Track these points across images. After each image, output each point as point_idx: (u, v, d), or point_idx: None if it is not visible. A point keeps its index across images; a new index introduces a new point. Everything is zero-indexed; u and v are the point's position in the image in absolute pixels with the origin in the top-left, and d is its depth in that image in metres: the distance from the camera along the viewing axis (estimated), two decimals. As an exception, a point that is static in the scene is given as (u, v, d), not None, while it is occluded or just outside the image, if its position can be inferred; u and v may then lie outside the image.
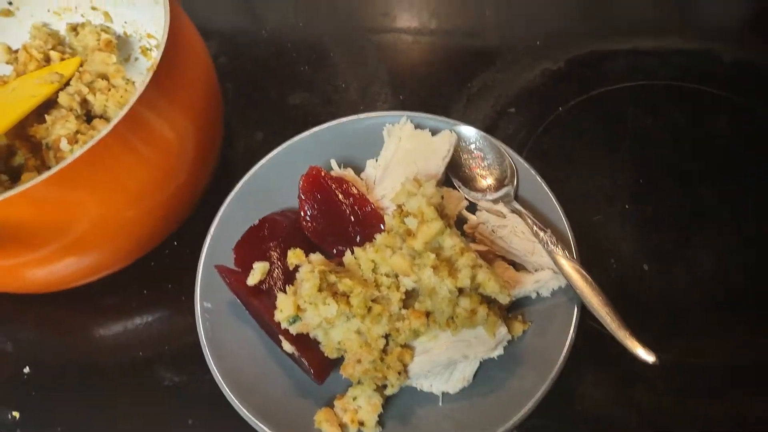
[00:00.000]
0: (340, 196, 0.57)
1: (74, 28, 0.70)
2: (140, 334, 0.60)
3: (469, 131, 0.61)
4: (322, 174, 0.57)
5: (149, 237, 0.58)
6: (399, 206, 0.53)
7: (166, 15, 0.54)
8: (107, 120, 0.63)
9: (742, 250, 0.62)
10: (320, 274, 0.49)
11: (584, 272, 0.52)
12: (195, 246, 0.57)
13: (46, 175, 0.45)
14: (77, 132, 0.60)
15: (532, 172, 0.58)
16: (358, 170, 0.61)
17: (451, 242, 0.50)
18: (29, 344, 0.61)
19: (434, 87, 0.75)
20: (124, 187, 0.51)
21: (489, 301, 0.50)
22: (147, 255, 0.60)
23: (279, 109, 0.74)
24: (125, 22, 0.71)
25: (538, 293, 0.55)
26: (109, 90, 0.64)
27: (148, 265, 0.62)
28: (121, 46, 0.72)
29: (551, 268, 0.54)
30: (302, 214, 0.56)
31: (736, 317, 0.59)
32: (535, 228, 0.55)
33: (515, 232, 0.57)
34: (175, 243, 0.63)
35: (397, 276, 0.50)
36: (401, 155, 0.60)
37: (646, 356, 0.48)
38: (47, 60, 0.69)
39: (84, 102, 0.63)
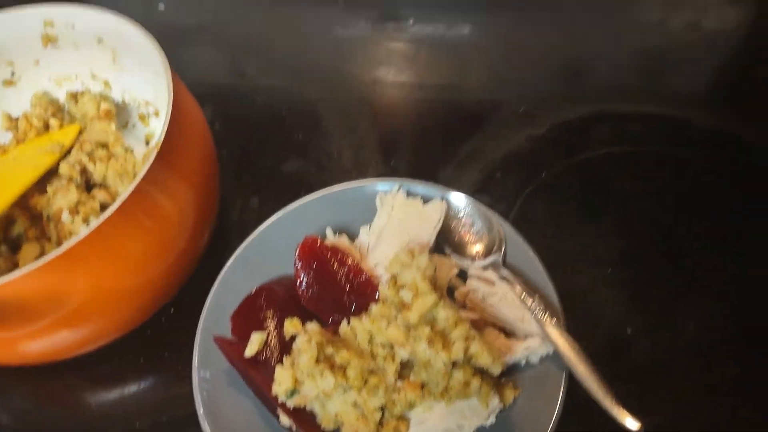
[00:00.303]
0: (335, 266, 0.58)
1: (74, 96, 0.72)
2: (137, 403, 0.60)
3: (458, 198, 0.63)
4: (318, 244, 0.59)
5: (149, 306, 0.59)
6: (393, 276, 0.55)
7: (169, 90, 0.56)
8: (107, 188, 0.64)
9: (726, 328, 0.64)
10: (317, 345, 0.50)
11: (572, 340, 0.53)
12: (191, 312, 0.57)
13: (50, 256, 0.46)
14: (78, 202, 0.61)
15: (520, 238, 0.60)
16: (352, 236, 0.63)
17: (444, 314, 0.52)
18: (24, 415, 0.61)
19: (423, 153, 0.78)
20: (126, 260, 0.52)
21: (482, 372, 0.51)
22: (143, 322, 0.61)
23: (274, 176, 0.76)
24: (123, 90, 0.73)
25: (527, 360, 0.56)
26: (109, 159, 0.65)
27: (144, 333, 0.62)
28: (119, 113, 0.73)
29: (540, 335, 0.56)
30: (298, 283, 0.58)
31: (723, 377, 0.60)
32: (524, 295, 0.57)
33: (505, 300, 0.58)
34: (172, 310, 0.64)
35: (392, 346, 0.52)
36: (393, 224, 0.62)
37: (632, 424, 0.50)
38: (46, 127, 0.70)
39: (83, 171, 0.64)
